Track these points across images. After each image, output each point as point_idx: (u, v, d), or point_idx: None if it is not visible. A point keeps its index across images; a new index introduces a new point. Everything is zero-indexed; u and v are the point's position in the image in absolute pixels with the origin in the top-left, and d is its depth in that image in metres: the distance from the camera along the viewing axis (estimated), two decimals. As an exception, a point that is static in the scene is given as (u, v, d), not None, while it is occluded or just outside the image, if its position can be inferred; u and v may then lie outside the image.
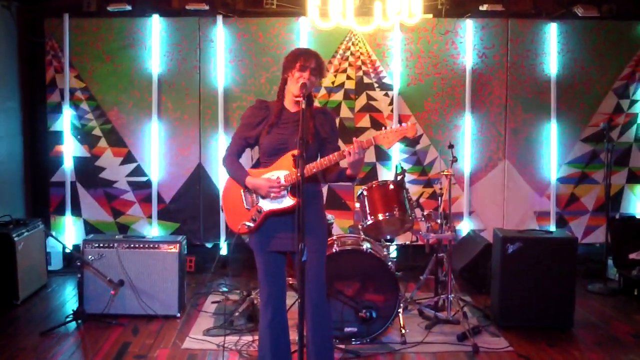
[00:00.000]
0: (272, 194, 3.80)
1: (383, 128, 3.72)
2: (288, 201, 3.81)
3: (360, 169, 3.83)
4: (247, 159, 4.35)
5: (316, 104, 6.14)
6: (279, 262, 3.96)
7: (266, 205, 3.86)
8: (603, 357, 4.98)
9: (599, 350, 5.11)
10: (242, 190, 3.95)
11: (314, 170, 3.71)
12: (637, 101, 7.56)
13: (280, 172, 3.82)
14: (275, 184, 3.79)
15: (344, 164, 3.76)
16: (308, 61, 3.81)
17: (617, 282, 6.78)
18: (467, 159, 7.50)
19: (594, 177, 7.59)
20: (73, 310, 5.60)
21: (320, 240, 3.95)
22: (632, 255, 6.80)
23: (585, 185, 7.61)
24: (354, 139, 3.65)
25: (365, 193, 5.42)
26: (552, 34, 7.45)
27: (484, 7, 7.36)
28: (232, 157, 4.01)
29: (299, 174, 3.43)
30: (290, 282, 5.22)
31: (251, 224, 3.87)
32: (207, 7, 7.31)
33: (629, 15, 7.49)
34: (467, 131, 7.49)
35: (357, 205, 5.51)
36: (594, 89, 7.52)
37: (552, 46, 7.46)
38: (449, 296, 5.54)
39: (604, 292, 6.64)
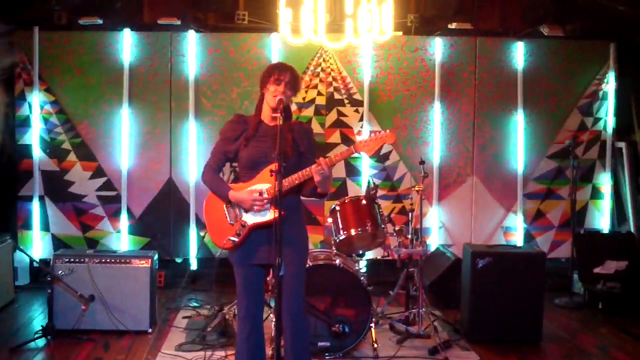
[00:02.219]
0: (255, 207, 3.82)
1: (368, 134, 3.80)
2: (272, 214, 3.81)
3: (329, 186, 3.88)
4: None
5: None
6: (258, 275, 3.98)
7: (250, 219, 3.87)
8: (571, 370, 5.10)
9: (567, 363, 5.24)
10: (224, 205, 3.96)
11: (287, 185, 3.74)
12: (600, 119, 7.73)
13: (263, 185, 3.85)
14: (258, 197, 3.82)
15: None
16: (282, 74, 3.86)
17: (583, 296, 6.92)
18: (435, 175, 7.58)
19: (559, 193, 7.73)
20: (42, 325, 5.52)
21: (301, 253, 3.98)
22: (597, 270, 6.94)
23: (551, 201, 7.75)
24: (320, 159, 3.72)
25: (337, 208, 5.47)
26: (518, 52, 7.61)
27: (452, 26, 7.48)
28: (212, 172, 4.02)
29: (277, 189, 3.48)
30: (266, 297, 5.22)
31: (236, 239, 3.88)
32: (179, 22, 7.31)
33: (592, 35, 7.67)
34: (435, 147, 7.59)
35: (330, 220, 5.54)
36: (559, 107, 7.69)
37: (518, 64, 7.62)
38: (420, 310, 5.59)
39: (570, 305, 6.77)
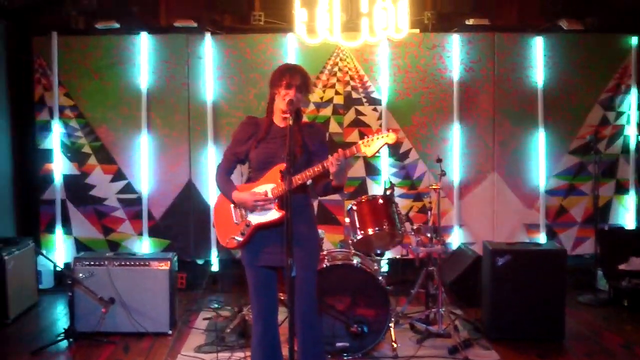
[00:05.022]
0: (258, 207, 3.83)
1: (365, 136, 3.79)
2: (274, 214, 3.84)
3: (345, 179, 3.87)
4: (237, 174, 4.38)
5: (305, 119, 6.18)
6: (270, 277, 3.97)
7: (254, 218, 3.88)
8: (594, 368, 5.03)
9: (589, 361, 5.16)
10: (231, 205, 3.98)
11: (299, 182, 3.75)
12: (623, 113, 7.61)
13: (268, 186, 3.86)
14: (260, 197, 3.82)
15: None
16: (293, 78, 3.86)
17: (607, 293, 6.82)
18: (455, 172, 7.53)
19: (582, 189, 7.62)
20: (64, 328, 5.60)
21: (311, 253, 3.96)
22: (621, 266, 6.84)
23: (574, 197, 7.65)
24: (339, 149, 3.70)
25: (354, 208, 5.44)
26: (537, 47, 7.52)
27: (470, 22, 7.41)
28: (222, 173, 4.07)
29: (285, 189, 3.48)
30: (282, 298, 5.20)
31: (240, 238, 3.90)
32: (195, 24, 7.33)
33: (612, 28, 7.56)
34: (455, 144, 7.53)
35: (347, 220, 5.53)
36: (580, 102, 7.58)
37: (538, 59, 7.53)
38: (440, 310, 5.56)
39: (594, 303, 6.68)
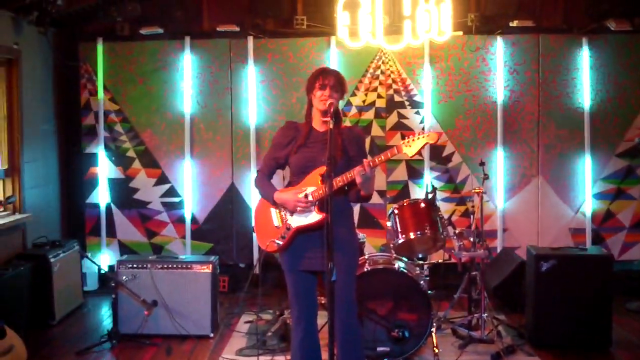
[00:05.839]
0: (298, 209, 3.83)
1: (406, 137, 3.79)
2: (315, 216, 3.85)
3: (372, 189, 3.89)
4: (279, 179, 4.40)
5: (347, 123, 6.17)
6: (309, 281, 3.97)
7: (295, 221, 3.89)
8: (642, 377, 4.90)
9: (637, 370, 5.03)
10: (271, 208, 3.99)
11: (340, 183, 3.79)
12: (673, 115, 7.43)
13: (308, 189, 3.86)
14: (302, 199, 3.82)
15: None
16: (326, 79, 3.90)
17: (657, 301, 6.66)
18: (499, 176, 7.43)
19: (630, 193, 7.44)
20: (108, 330, 5.67)
21: (350, 257, 3.95)
22: (671, 273, 6.67)
23: (622, 201, 7.47)
24: (364, 160, 3.70)
25: (396, 211, 5.40)
26: (584, 48, 7.38)
27: (514, 24, 7.31)
28: (262, 177, 4.10)
29: (326, 191, 3.49)
30: (322, 302, 5.18)
31: (280, 242, 3.91)
32: (237, 29, 7.38)
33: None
34: (499, 148, 7.43)
35: (389, 223, 5.49)
36: (628, 103, 7.40)
37: (584, 61, 7.38)
38: (483, 315, 5.48)
39: (642, 310, 6.52)
